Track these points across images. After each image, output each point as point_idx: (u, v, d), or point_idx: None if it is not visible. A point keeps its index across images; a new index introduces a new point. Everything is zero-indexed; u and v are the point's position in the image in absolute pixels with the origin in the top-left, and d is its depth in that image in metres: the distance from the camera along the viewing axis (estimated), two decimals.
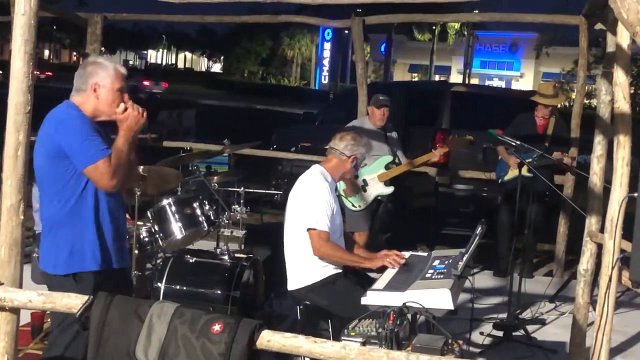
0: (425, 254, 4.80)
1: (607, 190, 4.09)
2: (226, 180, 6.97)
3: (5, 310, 3.22)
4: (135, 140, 3.72)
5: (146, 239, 5.72)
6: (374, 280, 4.32)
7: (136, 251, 5.58)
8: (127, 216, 5.30)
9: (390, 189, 7.32)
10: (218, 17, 10.05)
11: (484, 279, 7.85)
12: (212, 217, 5.78)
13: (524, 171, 6.41)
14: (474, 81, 56.12)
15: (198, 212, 5.70)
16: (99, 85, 3.67)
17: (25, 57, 3.12)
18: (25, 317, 4.73)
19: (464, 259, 4.11)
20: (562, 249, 8.33)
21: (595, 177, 4.83)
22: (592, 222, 4.84)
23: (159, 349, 2.97)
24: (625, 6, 2.62)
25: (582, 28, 7.87)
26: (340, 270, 4.71)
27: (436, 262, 4.36)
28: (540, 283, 7.67)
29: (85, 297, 3.15)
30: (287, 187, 5.66)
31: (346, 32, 48.67)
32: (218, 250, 5.75)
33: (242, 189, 6.41)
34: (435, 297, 3.77)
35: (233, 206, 6.19)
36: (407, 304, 3.62)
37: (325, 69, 65.67)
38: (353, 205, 7.18)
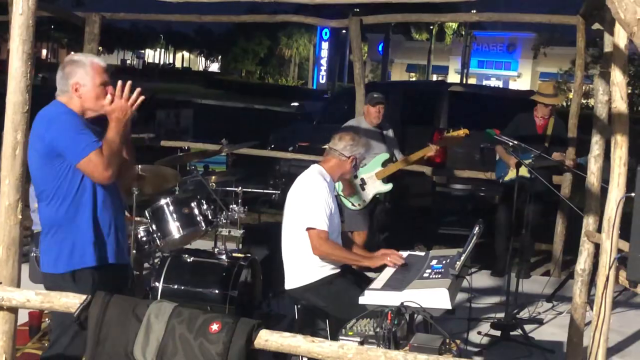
0: (422, 253, 4.81)
1: (604, 190, 4.09)
2: (224, 180, 6.97)
3: (3, 310, 3.22)
4: (127, 131, 3.72)
5: (144, 239, 5.72)
6: (371, 280, 4.33)
7: (134, 250, 5.58)
8: (126, 213, 5.31)
9: (388, 186, 7.33)
10: (216, 17, 10.04)
11: (481, 279, 7.85)
12: (210, 217, 5.79)
13: (524, 172, 6.41)
14: (472, 81, 56.21)
15: (196, 211, 5.71)
16: (79, 84, 3.67)
17: (24, 56, 3.12)
18: (23, 317, 4.73)
19: (462, 258, 4.12)
20: (559, 249, 8.34)
21: (593, 177, 4.83)
22: (589, 222, 4.85)
23: (157, 349, 2.97)
24: (622, 6, 2.63)
25: (580, 28, 7.88)
26: (338, 270, 4.72)
27: (434, 262, 4.37)
28: (538, 283, 7.68)
29: (84, 297, 3.15)
30: (285, 186, 5.67)
31: (344, 31, 48.80)
32: (216, 249, 5.76)
33: (240, 188, 6.41)
34: (433, 296, 3.77)
35: (231, 206, 6.19)
36: (404, 304, 3.62)
37: (323, 68, 65.61)
38: (352, 205, 7.18)
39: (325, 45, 65.68)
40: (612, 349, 5.88)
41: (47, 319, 5.30)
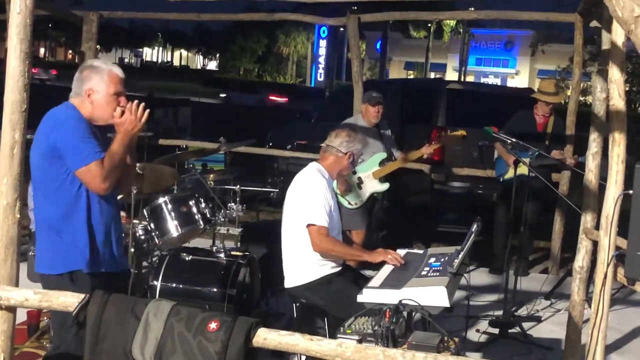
0: (421, 251, 4.81)
1: (602, 188, 4.10)
2: (222, 178, 6.97)
3: (1, 309, 3.22)
4: (132, 143, 3.72)
5: (142, 237, 5.72)
6: (370, 279, 4.33)
7: (132, 249, 5.58)
8: (123, 214, 5.31)
9: (385, 186, 7.32)
10: (214, 15, 10.04)
11: (479, 277, 7.86)
12: (208, 215, 5.78)
13: (524, 170, 6.42)
14: (470, 78, 56.21)
15: (194, 210, 5.70)
16: (93, 90, 3.66)
17: (21, 55, 3.12)
18: (21, 316, 4.73)
19: (460, 256, 4.12)
20: (557, 246, 8.35)
21: (591, 175, 4.84)
22: (587, 220, 4.85)
23: (156, 347, 2.98)
24: (620, 4, 2.63)
25: (578, 26, 7.88)
26: (338, 269, 4.72)
27: (432, 260, 4.37)
28: (536, 280, 7.69)
29: (82, 296, 3.15)
30: (283, 184, 5.67)
31: (342, 29, 48.72)
32: (214, 248, 5.76)
33: (238, 186, 6.40)
34: (431, 294, 3.78)
35: (229, 204, 6.19)
36: (403, 302, 3.62)
37: (321, 66, 65.58)
38: (349, 203, 7.18)
39: (323, 43, 65.66)
40: (610, 346, 5.89)
41: (45, 318, 5.31)
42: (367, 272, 4.92)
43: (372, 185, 7.27)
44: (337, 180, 6.80)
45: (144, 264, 6.13)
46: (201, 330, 2.95)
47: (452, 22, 58.07)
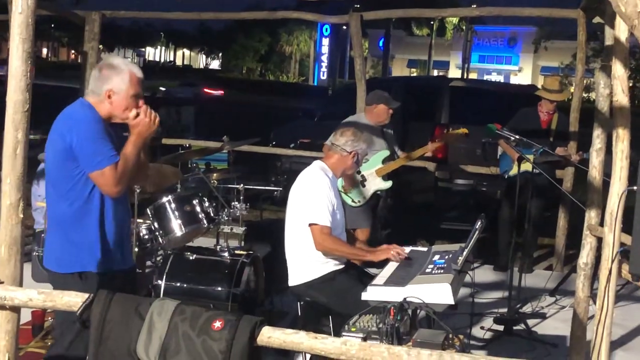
0: (425, 249, 4.81)
1: (606, 184, 4.09)
2: (225, 177, 6.97)
3: (5, 309, 3.22)
4: (146, 144, 3.72)
5: (146, 237, 5.72)
6: (374, 277, 4.32)
7: (136, 249, 5.58)
8: None
9: (388, 184, 7.31)
10: (216, 14, 10.04)
11: (484, 274, 7.85)
12: (212, 214, 5.78)
13: (528, 166, 6.41)
14: (473, 76, 56.19)
15: (198, 209, 5.70)
16: (113, 92, 3.65)
17: (24, 55, 3.11)
18: (25, 316, 4.73)
19: (464, 253, 4.12)
20: (562, 243, 8.33)
21: (595, 171, 4.82)
22: (591, 216, 4.84)
23: (160, 347, 2.97)
24: None
25: (581, 22, 7.87)
26: (341, 267, 4.71)
27: (436, 257, 4.37)
28: (541, 277, 7.68)
29: (86, 295, 3.15)
30: (287, 183, 5.66)
31: (344, 27, 48.74)
32: (218, 247, 5.75)
33: (242, 185, 6.40)
34: (435, 291, 3.77)
35: (233, 203, 6.18)
36: (407, 299, 3.62)
37: (324, 64, 65.59)
38: (353, 201, 7.17)
39: (325, 42, 65.68)
40: (615, 342, 5.88)
41: (49, 318, 5.31)
42: (371, 270, 4.91)
43: (375, 183, 7.26)
44: (343, 178, 6.80)
45: (148, 263, 6.14)
46: (205, 329, 2.95)
47: (455, 20, 58.02)
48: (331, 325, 4.71)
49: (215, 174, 6.59)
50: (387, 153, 7.33)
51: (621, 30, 3.76)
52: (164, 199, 5.63)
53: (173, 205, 5.61)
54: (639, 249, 3.28)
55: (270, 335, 2.98)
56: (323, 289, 4.65)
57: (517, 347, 5.80)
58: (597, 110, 4.88)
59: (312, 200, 4.62)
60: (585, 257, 4.88)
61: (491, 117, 6.79)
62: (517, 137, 6.28)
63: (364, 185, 7.23)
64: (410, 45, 66.49)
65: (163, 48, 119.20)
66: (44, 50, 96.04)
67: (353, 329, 3.47)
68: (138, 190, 5.50)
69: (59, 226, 3.68)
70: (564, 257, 8.34)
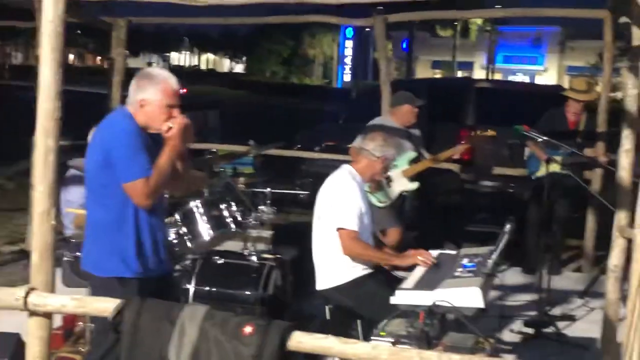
0: (454, 252, 4.79)
1: (636, 185, 4.05)
2: (252, 182, 6.98)
3: (38, 315, 3.25)
4: (182, 154, 3.77)
5: (174, 241, 5.74)
6: (402, 281, 4.32)
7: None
8: None
9: (414, 185, 7.29)
10: (241, 19, 10.07)
11: (512, 276, 7.79)
12: (239, 218, 5.79)
13: (556, 167, 6.36)
14: (497, 76, 55.90)
15: (225, 213, 5.71)
16: (145, 101, 3.69)
17: (54, 64, 3.14)
18: (56, 320, 4.77)
19: (493, 256, 4.10)
20: (591, 245, 8.26)
21: (624, 172, 4.78)
22: (621, 217, 4.79)
23: (191, 352, 2.99)
24: None
25: (607, 22, 7.79)
26: (369, 271, 4.71)
27: (465, 260, 4.35)
28: (570, 279, 7.63)
29: (118, 301, 3.17)
30: (313, 186, 5.66)
31: (367, 29, 48.70)
32: (246, 251, 5.77)
33: (268, 189, 6.41)
34: (465, 295, 3.76)
35: (259, 207, 6.20)
36: (436, 303, 3.61)
37: (347, 67, 65.57)
38: (379, 201, 7.15)
39: (349, 44, 65.68)
40: None
41: (81, 323, 5.35)
42: (400, 273, 4.90)
43: (402, 184, 7.24)
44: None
45: (177, 267, 6.16)
46: (236, 334, 2.96)
47: (479, 20, 57.77)
48: (359, 329, 4.70)
49: (242, 178, 6.61)
50: (414, 154, 7.32)
51: None
52: (192, 204, 5.65)
53: (201, 210, 5.63)
54: None
55: (301, 340, 2.99)
56: (351, 293, 4.65)
57: (547, 350, 5.76)
58: (625, 110, 4.84)
59: (341, 204, 4.62)
60: (615, 258, 4.83)
61: (517, 118, 6.75)
62: (545, 138, 6.24)
63: (389, 186, 7.22)
64: (434, 46, 66.25)
65: (187, 53, 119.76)
66: (71, 56, 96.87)
67: (382, 334, 3.47)
68: (166, 195, 5.52)
69: (97, 232, 3.73)
70: (594, 258, 8.26)
